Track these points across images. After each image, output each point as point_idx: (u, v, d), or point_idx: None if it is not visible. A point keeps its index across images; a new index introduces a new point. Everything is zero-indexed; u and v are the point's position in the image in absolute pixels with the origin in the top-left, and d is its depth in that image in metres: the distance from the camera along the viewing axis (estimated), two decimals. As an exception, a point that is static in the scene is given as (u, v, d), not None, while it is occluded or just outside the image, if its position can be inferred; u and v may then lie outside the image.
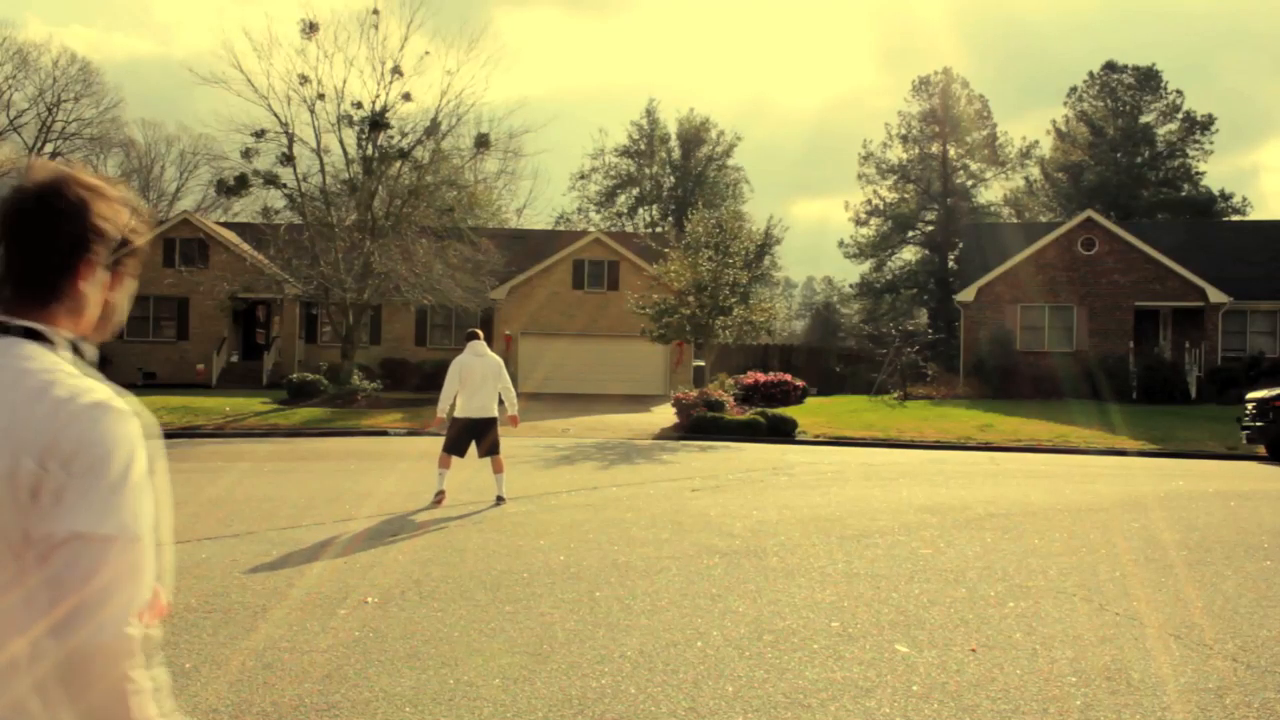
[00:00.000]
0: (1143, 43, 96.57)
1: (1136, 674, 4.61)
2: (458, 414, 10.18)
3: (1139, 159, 57.71)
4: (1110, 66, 58.75)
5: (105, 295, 1.55)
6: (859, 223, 61.41)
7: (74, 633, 1.31)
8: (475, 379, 10.10)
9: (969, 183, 60.49)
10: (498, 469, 10.21)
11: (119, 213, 1.53)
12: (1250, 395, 17.85)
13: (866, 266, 61.68)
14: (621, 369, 33.41)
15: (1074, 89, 60.22)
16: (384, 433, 20.79)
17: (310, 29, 26.71)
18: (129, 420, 1.43)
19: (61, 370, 1.43)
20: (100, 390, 1.43)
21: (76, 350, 1.51)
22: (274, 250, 28.03)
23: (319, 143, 27.25)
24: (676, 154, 63.89)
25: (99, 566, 1.33)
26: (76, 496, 1.34)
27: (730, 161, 64.31)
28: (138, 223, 1.57)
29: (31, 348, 1.44)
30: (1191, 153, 57.72)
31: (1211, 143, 57.51)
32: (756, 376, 29.37)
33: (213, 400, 25.50)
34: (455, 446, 10.14)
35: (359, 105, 27.14)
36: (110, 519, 1.35)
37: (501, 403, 10.39)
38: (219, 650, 4.90)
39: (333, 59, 32.53)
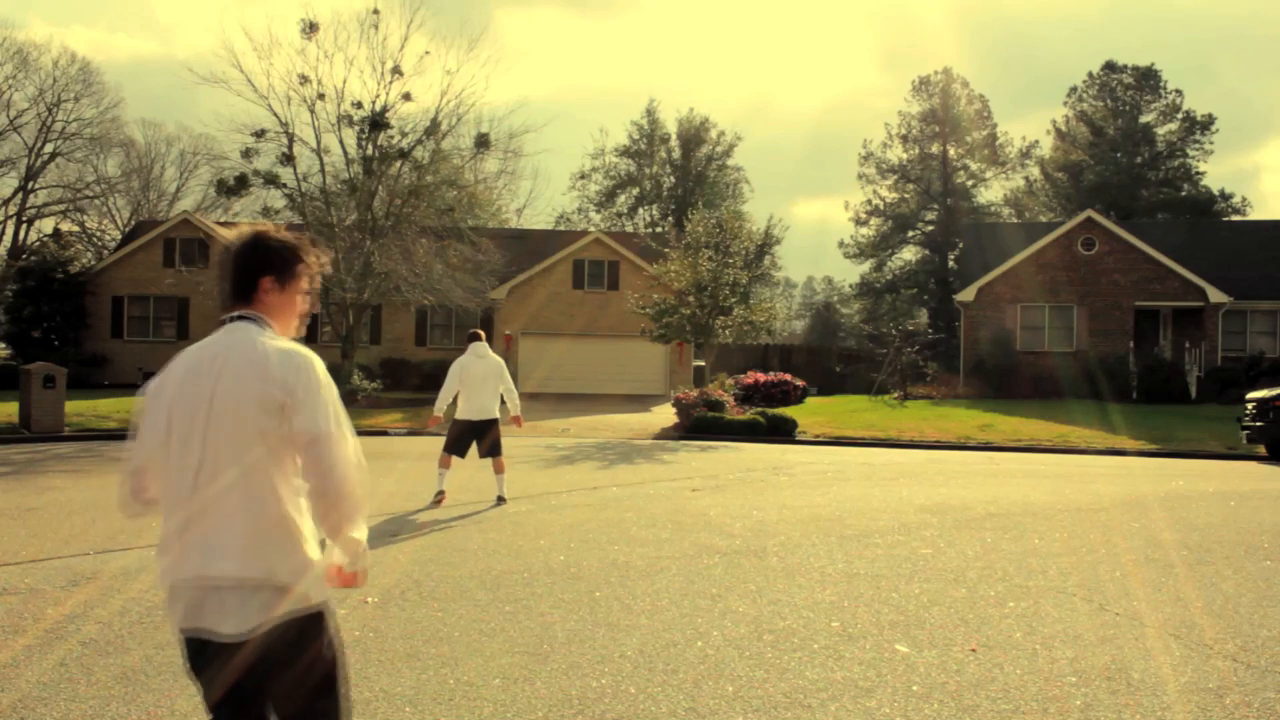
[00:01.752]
0: (1143, 43, 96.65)
1: (1136, 674, 4.61)
2: (459, 415, 10.18)
3: (1139, 159, 57.71)
4: (1110, 66, 58.75)
5: (279, 299, 2.61)
6: (859, 223, 61.45)
7: (331, 479, 2.42)
8: (476, 380, 10.10)
9: (969, 183, 60.50)
10: (499, 469, 10.21)
11: (282, 253, 2.61)
12: (1250, 395, 17.84)
13: (866, 266, 61.71)
14: (621, 369, 33.42)
15: (1074, 89, 60.26)
16: (384, 433, 20.79)
17: (310, 29, 26.73)
18: (320, 364, 2.53)
19: (274, 337, 2.54)
20: (299, 346, 2.52)
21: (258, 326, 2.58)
22: (274, 250, 28.00)
23: (319, 143, 27.28)
24: (677, 154, 63.89)
25: (331, 446, 2.43)
26: (309, 411, 2.43)
27: (730, 161, 64.36)
28: (299, 258, 2.64)
29: (252, 327, 2.55)
30: (1191, 153, 57.73)
31: (1211, 143, 57.56)
32: (756, 376, 29.38)
33: (213, 400, 25.47)
34: (456, 447, 10.14)
35: (359, 105, 27.16)
36: (329, 423, 2.45)
37: (504, 403, 10.38)
38: (219, 650, 4.90)
39: (333, 59, 32.64)
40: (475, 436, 10.16)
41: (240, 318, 2.57)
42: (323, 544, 2.52)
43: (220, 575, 2.37)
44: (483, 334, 10.60)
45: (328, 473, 2.41)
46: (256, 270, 2.57)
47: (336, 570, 2.49)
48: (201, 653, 2.43)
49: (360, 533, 2.48)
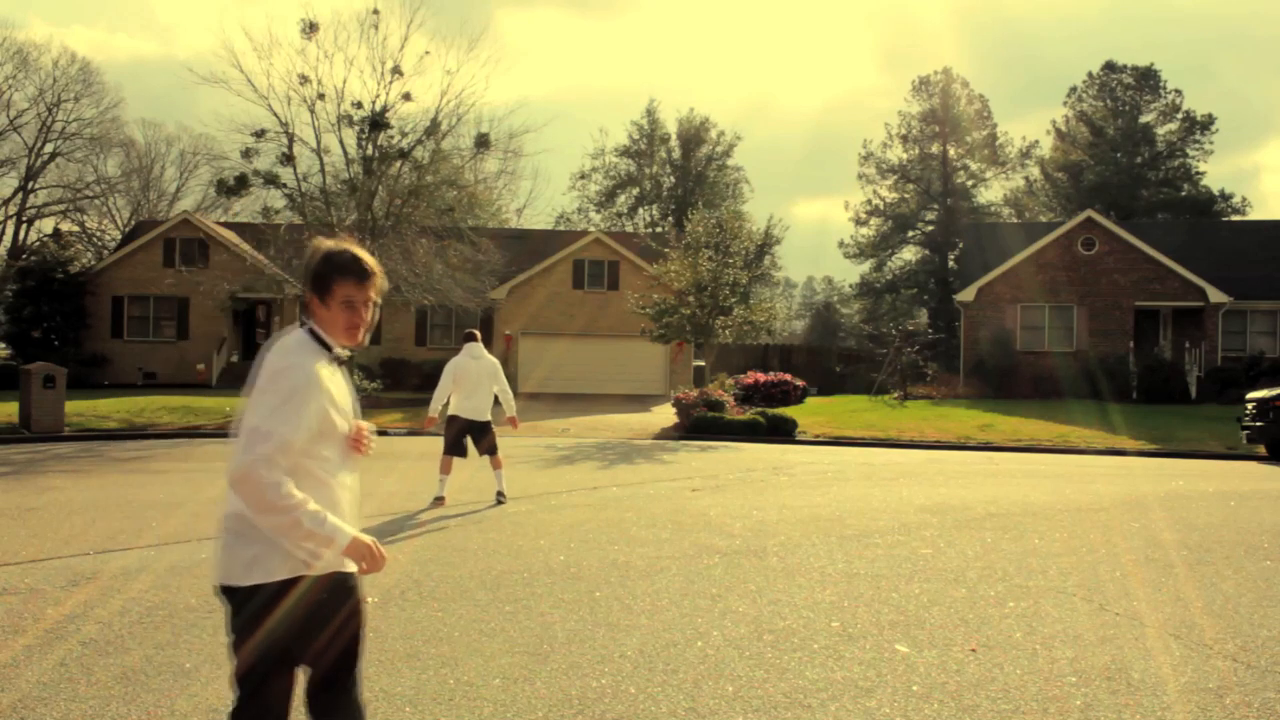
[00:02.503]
0: (1143, 43, 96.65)
1: (1136, 674, 4.61)
2: (453, 412, 10.17)
3: (1139, 159, 57.73)
4: (1110, 66, 58.76)
5: (325, 315, 2.78)
6: (859, 223, 61.47)
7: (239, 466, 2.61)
8: (471, 381, 10.09)
9: (969, 183, 60.52)
10: (497, 466, 10.22)
11: (314, 273, 2.78)
12: (1250, 395, 17.84)
13: (866, 266, 61.72)
14: (621, 369, 33.42)
15: (1074, 89, 60.29)
16: (384, 433, 20.78)
17: (310, 29, 26.69)
18: (292, 359, 2.67)
19: (293, 350, 2.71)
20: (286, 357, 2.68)
21: (315, 336, 2.79)
22: (274, 250, 28.02)
23: (319, 143, 27.24)
24: (677, 154, 63.91)
25: (253, 434, 2.57)
26: (252, 405, 2.61)
27: (730, 161, 64.39)
28: (327, 273, 2.77)
29: (298, 333, 2.79)
30: (1191, 153, 57.75)
31: (1211, 143, 57.60)
32: (756, 376, 29.38)
33: (213, 400, 25.49)
34: (455, 448, 10.14)
35: (359, 105, 27.12)
36: (259, 406, 2.60)
37: (499, 404, 10.37)
38: (219, 650, 4.90)
39: (333, 59, 32.61)
40: (471, 435, 10.17)
41: (302, 322, 2.87)
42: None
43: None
44: (478, 334, 10.59)
45: (233, 468, 2.64)
46: (312, 277, 2.82)
47: None
48: None
49: (278, 514, 2.59)
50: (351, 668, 2.82)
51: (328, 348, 2.79)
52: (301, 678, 2.80)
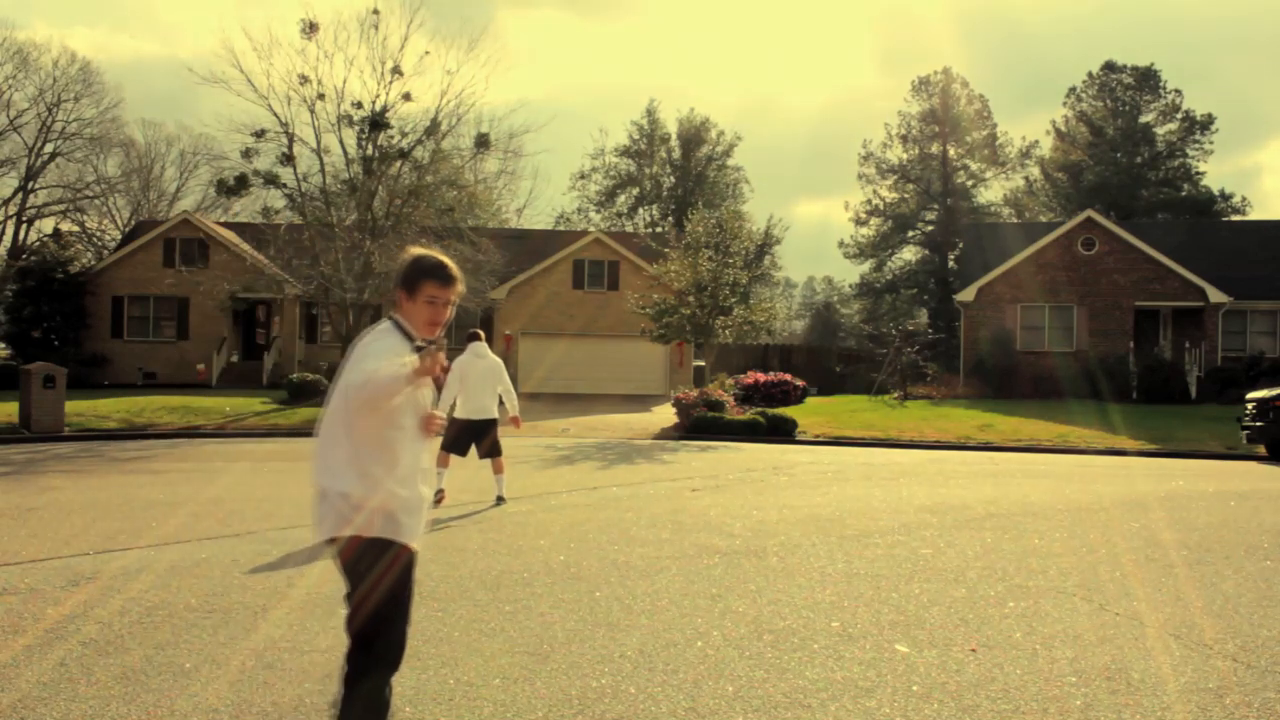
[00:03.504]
0: (1143, 43, 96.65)
1: (1136, 674, 4.61)
2: (457, 414, 10.18)
3: (1139, 159, 57.72)
4: (1109, 67, 58.76)
5: (420, 307, 3.27)
6: (859, 223, 61.47)
7: (357, 381, 3.05)
8: (475, 380, 10.09)
9: (969, 183, 60.52)
10: (498, 470, 10.21)
11: (404, 272, 3.32)
12: (1250, 395, 17.84)
13: (866, 266, 61.73)
14: (621, 369, 33.42)
15: (1073, 89, 60.29)
16: (384, 433, 20.77)
17: (310, 29, 26.69)
18: (374, 340, 3.23)
19: (379, 338, 3.24)
20: (373, 343, 3.21)
21: (399, 326, 3.30)
22: (274, 250, 28.02)
23: (319, 143, 27.23)
24: (677, 154, 63.91)
25: (357, 376, 3.04)
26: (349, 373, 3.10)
27: (730, 161, 64.38)
28: (414, 274, 3.31)
29: (386, 323, 3.31)
30: (1191, 153, 57.75)
31: (1211, 143, 57.62)
32: (756, 376, 29.38)
33: (213, 400, 25.49)
34: (455, 445, 10.13)
35: (359, 105, 27.12)
36: (355, 369, 3.07)
37: (502, 404, 10.37)
38: (219, 650, 4.90)
39: (333, 59, 32.63)
40: (474, 437, 10.16)
41: (391, 318, 3.37)
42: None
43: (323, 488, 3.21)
44: (482, 334, 10.59)
45: (352, 388, 3.11)
46: (403, 277, 3.34)
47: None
48: None
49: (395, 375, 3.00)
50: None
51: (409, 337, 3.26)
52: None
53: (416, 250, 3.42)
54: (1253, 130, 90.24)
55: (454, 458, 10.15)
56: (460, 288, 3.35)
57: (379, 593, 3.19)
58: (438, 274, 3.28)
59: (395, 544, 3.19)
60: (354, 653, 3.23)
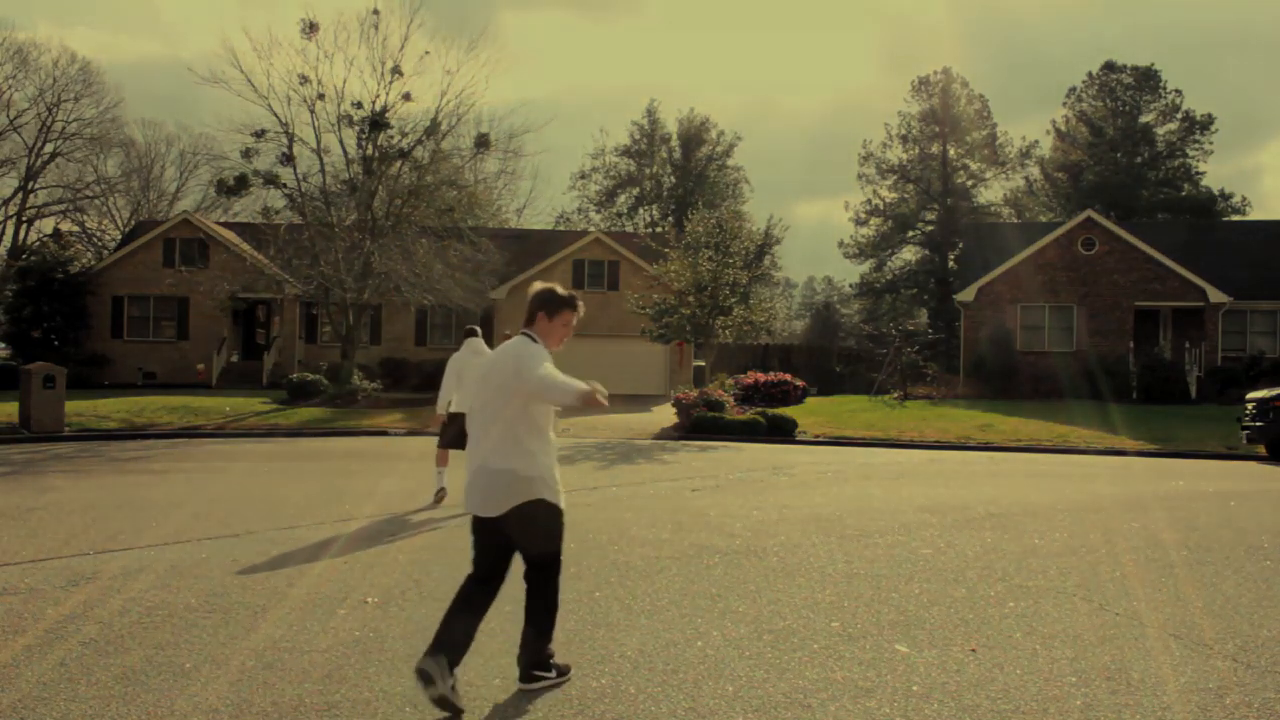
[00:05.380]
0: (1143, 43, 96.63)
1: (1136, 674, 4.61)
2: (455, 409, 10.17)
3: (1139, 159, 57.71)
4: (1109, 66, 58.75)
5: (555, 326, 4.45)
6: (859, 223, 61.44)
7: (536, 381, 4.08)
8: (473, 377, 10.09)
9: (969, 183, 60.49)
10: None
11: (550, 297, 4.45)
12: (1250, 395, 17.85)
13: (866, 266, 61.70)
14: (621, 369, 33.40)
15: (1073, 89, 60.27)
16: (384, 433, 20.79)
17: (310, 29, 26.72)
18: (536, 350, 4.29)
19: (528, 344, 4.33)
20: (535, 346, 4.33)
21: (531, 339, 4.39)
22: (274, 250, 28.03)
23: (319, 143, 27.26)
24: (677, 154, 63.90)
25: (534, 378, 4.07)
26: (524, 378, 4.12)
27: (730, 161, 64.35)
28: (556, 301, 4.45)
29: (525, 341, 4.35)
30: (1191, 153, 57.74)
31: (1211, 143, 57.60)
32: (756, 376, 29.37)
33: (213, 400, 25.50)
34: (455, 442, 10.12)
35: (359, 105, 27.14)
36: (531, 372, 4.11)
37: None
38: (219, 650, 4.90)
39: (333, 59, 32.66)
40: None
41: (526, 334, 4.42)
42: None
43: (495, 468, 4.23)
44: (479, 331, 10.60)
45: (534, 386, 4.13)
46: (546, 304, 4.44)
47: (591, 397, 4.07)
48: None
49: (562, 387, 4.06)
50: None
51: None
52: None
53: (548, 285, 4.53)
54: (1253, 130, 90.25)
55: (451, 454, 10.14)
56: (582, 312, 4.60)
57: (551, 538, 4.34)
58: (575, 304, 4.51)
59: (556, 505, 4.29)
60: (532, 573, 4.44)
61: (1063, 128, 60.56)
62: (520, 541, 4.32)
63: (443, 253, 27.64)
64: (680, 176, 63.28)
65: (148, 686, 4.37)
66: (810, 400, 30.59)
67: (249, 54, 52.70)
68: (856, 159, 71.60)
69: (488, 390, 4.31)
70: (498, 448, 4.20)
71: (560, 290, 4.43)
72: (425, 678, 4.01)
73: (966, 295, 32.07)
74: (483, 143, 28.86)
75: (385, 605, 5.79)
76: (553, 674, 4.41)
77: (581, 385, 3.98)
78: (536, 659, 4.38)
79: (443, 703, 4.01)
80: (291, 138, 26.77)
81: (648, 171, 63.73)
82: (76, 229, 50.36)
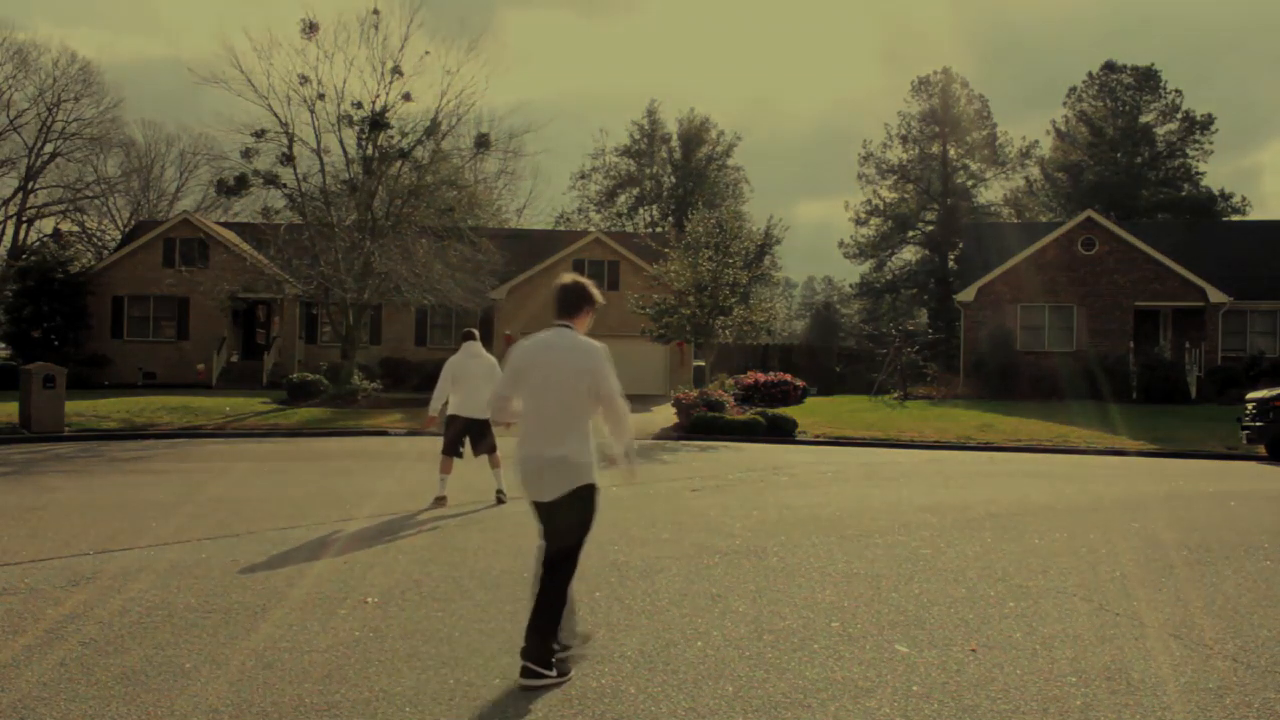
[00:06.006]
0: (1143, 43, 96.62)
1: (1136, 674, 4.61)
2: (453, 411, 10.18)
3: (1139, 159, 57.69)
4: (1109, 67, 58.73)
5: (588, 320, 4.86)
6: (859, 223, 61.41)
7: (617, 410, 4.72)
8: (469, 380, 10.10)
9: (969, 183, 60.46)
10: (495, 464, 10.23)
11: (592, 294, 4.84)
12: (1250, 395, 17.84)
13: (866, 266, 61.68)
14: (621, 369, 32.94)
15: (1073, 89, 60.25)
16: (384, 433, 20.79)
17: (310, 29, 26.71)
18: (605, 352, 4.68)
19: (582, 338, 4.73)
20: (595, 342, 4.69)
21: (574, 332, 4.77)
22: (274, 250, 28.02)
23: (319, 143, 27.25)
24: (677, 154, 63.84)
25: (616, 399, 4.68)
26: (601, 381, 4.63)
27: (730, 161, 64.31)
28: (596, 298, 4.86)
29: (572, 333, 4.73)
30: (1191, 153, 57.71)
31: (1211, 143, 57.54)
32: (756, 376, 29.37)
33: (213, 400, 25.50)
34: (455, 447, 10.14)
35: (359, 105, 27.13)
36: (613, 387, 4.67)
37: None
38: (219, 650, 4.90)
39: (333, 59, 32.63)
40: (470, 435, 10.17)
41: (564, 325, 4.76)
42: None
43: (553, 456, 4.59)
44: (476, 333, 10.58)
45: (614, 414, 4.71)
46: (584, 302, 4.82)
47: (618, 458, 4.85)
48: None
49: (627, 441, 4.82)
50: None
51: None
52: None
53: (578, 279, 4.87)
54: (1253, 130, 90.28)
55: (454, 462, 10.15)
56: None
57: (584, 526, 4.69)
58: (597, 300, 4.95)
59: (597, 489, 4.72)
60: (550, 566, 4.68)
61: (1063, 128, 60.55)
62: (561, 525, 4.61)
63: (443, 253, 27.63)
64: (680, 176, 63.24)
65: (148, 686, 4.37)
66: (810, 400, 30.59)
67: (249, 54, 52.75)
68: (856, 159, 71.71)
69: (556, 378, 4.57)
70: (563, 435, 4.55)
71: (592, 288, 4.85)
72: (563, 647, 4.68)
73: (966, 295, 32.07)
74: (483, 143, 28.86)
75: (385, 605, 5.79)
76: (553, 673, 4.45)
77: (631, 430, 4.82)
78: (538, 655, 4.46)
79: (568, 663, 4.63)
80: (291, 138, 26.77)
81: (648, 171, 63.69)
82: (76, 229, 50.37)
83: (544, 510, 4.66)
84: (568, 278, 4.87)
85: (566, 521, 4.60)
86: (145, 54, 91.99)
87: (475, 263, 28.52)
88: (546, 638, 4.51)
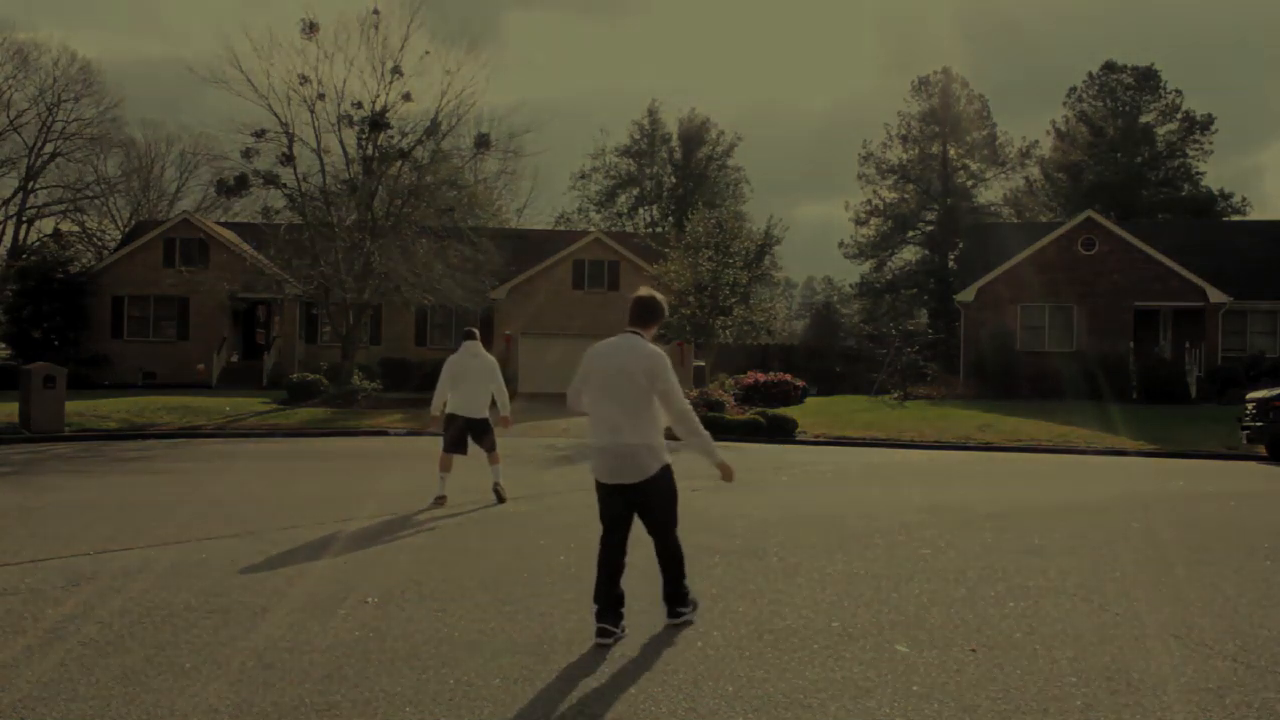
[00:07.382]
0: (1143, 43, 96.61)
1: (1136, 674, 4.61)
2: (452, 410, 10.18)
3: (1139, 159, 57.66)
4: (1109, 67, 58.70)
5: (654, 329, 5.47)
6: (859, 223, 61.36)
7: (674, 413, 5.28)
8: (469, 379, 10.10)
9: (969, 183, 60.40)
10: (494, 461, 10.24)
11: (663, 308, 5.51)
12: (1250, 395, 17.84)
13: (867, 266, 61.62)
14: (621, 369, 33.39)
15: (1073, 89, 60.17)
16: (384, 433, 20.79)
17: (310, 29, 26.70)
18: (665, 357, 5.26)
19: (647, 343, 5.33)
20: (656, 348, 5.32)
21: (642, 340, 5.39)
22: (274, 250, 28.02)
23: (319, 143, 27.24)
24: (678, 154, 63.79)
25: (673, 397, 5.23)
26: (657, 380, 5.20)
27: (731, 162, 64.25)
28: (665, 312, 5.56)
29: (639, 339, 5.34)
30: (1191, 153, 57.67)
31: (1211, 143, 57.47)
32: (756, 376, 29.37)
33: (213, 400, 25.50)
34: (456, 446, 10.13)
35: (359, 105, 27.13)
36: (671, 386, 5.25)
37: (494, 404, 10.36)
38: (219, 650, 4.90)
39: (333, 59, 32.52)
40: (471, 434, 10.18)
41: (634, 332, 5.34)
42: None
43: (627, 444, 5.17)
44: (476, 333, 10.58)
45: (673, 410, 5.22)
46: (653, 314, 5.42)
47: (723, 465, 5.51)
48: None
49: (701, 436, 5.32)
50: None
51: None
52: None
53: (655, 294, 5.47)
54: (1253, 130, 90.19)
55: (455, 460, 10.15)
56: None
57: (674, 499, 5.33)
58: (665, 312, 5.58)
59: (672, 469, 5.30)
60: (659, 531, 5.31)
61: (1063, 128, 60.50)
62: (654, 503, 5.24)
63: (443, 253, 27.62)
64: (680, 176, 63.18)
65: (148, 686, 4.37)
66: (810, 400, 30.58)
67: (249, 54, 52.52)
68: (857, 159, 71.47)
69: (626, 374, 5.17)
70: (634, 425, 5.14)
71: (664, 303, 5.52)
72: (605, 634, 5.00)
73: (966, 295, 32.06)
74: (483, 143, 28.86)
75: (385, 605, 5.79)
76: (689, 609, 5.41)
77: (698, 425, 5.34)
78: (676, 597, 5.36)
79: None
80: (291, 138, 26.77)
81: (648, 171, 63.64)
82: (76, 229, 50.36)
83: (619, 493, 5.22)
84: (644, 291, 5.47)
85: (660, 499, 5.23)
86: (145, 54, 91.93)
87: (475, 263, 28.52)
88: (680, 584, 5.37)
